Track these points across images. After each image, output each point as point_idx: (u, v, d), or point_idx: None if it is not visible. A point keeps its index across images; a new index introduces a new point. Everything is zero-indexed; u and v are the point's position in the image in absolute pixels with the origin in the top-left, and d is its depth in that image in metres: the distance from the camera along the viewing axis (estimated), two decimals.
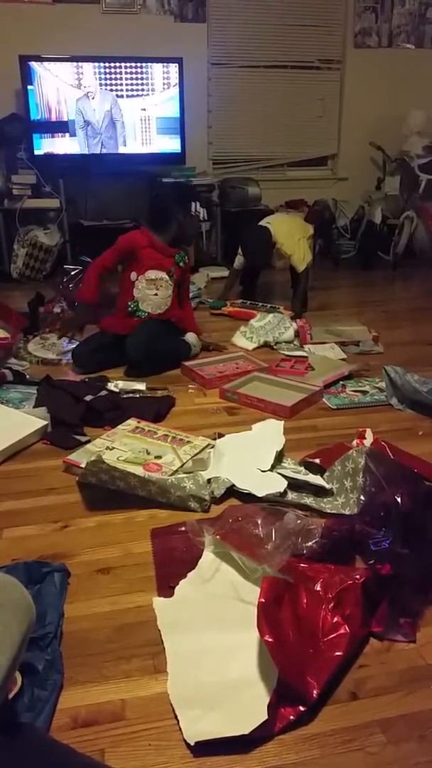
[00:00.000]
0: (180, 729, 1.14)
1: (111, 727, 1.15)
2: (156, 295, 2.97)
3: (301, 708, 1.17)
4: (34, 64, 4.36)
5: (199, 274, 4.66)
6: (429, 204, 5.06)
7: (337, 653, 1.26)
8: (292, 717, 1.16)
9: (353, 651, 1.30)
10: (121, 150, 4.68)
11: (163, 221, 2.98)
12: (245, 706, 1.18)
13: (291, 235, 3.67)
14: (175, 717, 1.17)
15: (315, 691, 1.19)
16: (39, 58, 4.38)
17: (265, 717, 1.13)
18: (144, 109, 4.64)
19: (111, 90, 4.54)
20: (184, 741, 1.12)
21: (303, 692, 1.19)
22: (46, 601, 1.42)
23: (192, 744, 1.10)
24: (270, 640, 1.21)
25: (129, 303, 2.98)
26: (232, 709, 1.17)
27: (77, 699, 1.21)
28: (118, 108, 4.59)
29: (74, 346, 2.98)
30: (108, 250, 3.00)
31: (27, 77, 4.37)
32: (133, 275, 2.96)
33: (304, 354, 3.04)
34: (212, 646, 1.33)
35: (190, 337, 3.09)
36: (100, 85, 4.51)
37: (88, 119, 4.55)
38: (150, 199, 3.04)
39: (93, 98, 4.51)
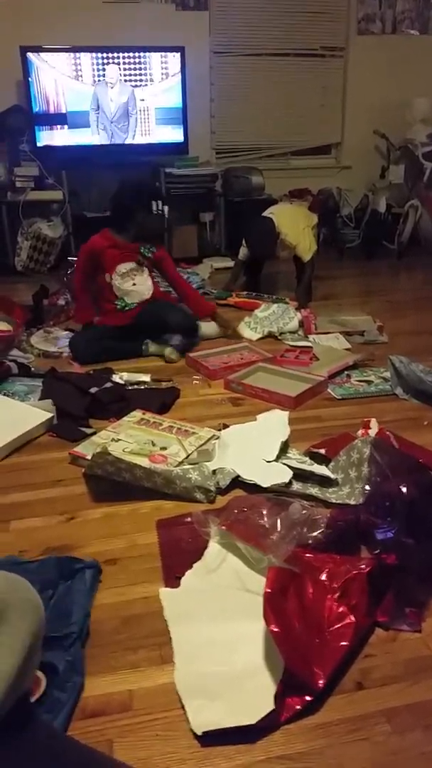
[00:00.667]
0: (187, 719, 1.15)
1: (118, 717, 1.16)
2: (135, 285, 3.01)
3: (308, 698, 1.18)
4: (35, 56, 4.34)
5: (203, 265, 4.65)
6: None
7: (343, 643, 1.26)
8: (298, 707, 1.17)
9: (359, 641, 1.31)
10: (126, 141, 4.66)
11: (122, 222, 3.02)
12: (252, 696, 1.18)
13: (295, 225, 3.65)
14: (182, 707, 1.17)
15: (321, 681, 1.19)
16: (40, 49, 4.35)
17: (272, 707, 1.14)
18: (143, 100, 4.62)
19: (114, 78, 4.51)
20: (191, 731, 1.12)
21: (309, 682, 1.19)
22: (74, 599, 1.39)
23: (199, 734, 1.11)
24: (276, 630, 1.22)
25: (115, 302, 3.02)
26: (238, 699, 1.18)
27: (85, 690, 1.21)
28: (134, 100, 4.56)
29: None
30: (76, 266, 3.10)
31: (28, 68, 4.34)
32: (107, 276, 3.00)
33: (309, 344, 3.03)
34: (218, 637, 1.33)
35: (208, 328, 3.12)
36: (100, 75, 4.48)
37: (101, 108, 4.52)
38: (110, 200, 3.11)
39: (112, 88, 4.49)
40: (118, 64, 4.49)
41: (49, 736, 0.93)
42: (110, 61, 4.47)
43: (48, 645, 1.24)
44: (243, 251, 3.83)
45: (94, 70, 4.47)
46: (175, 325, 3.00)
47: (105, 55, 4.45)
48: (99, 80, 4.49)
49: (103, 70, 4.48)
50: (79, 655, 1.26)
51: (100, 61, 4.46)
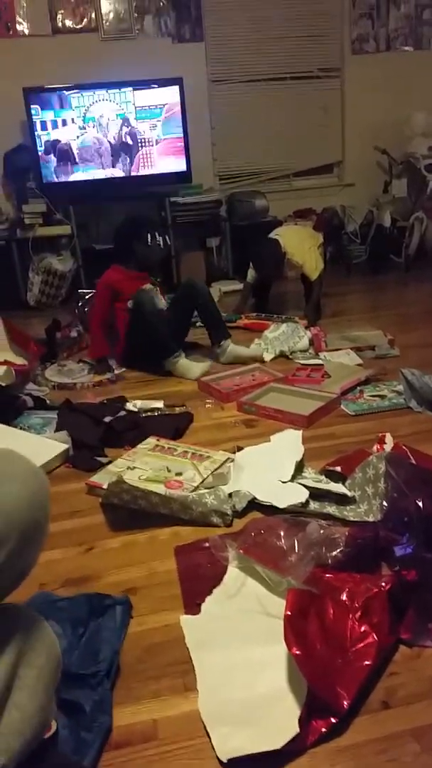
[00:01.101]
0: (212, 746, 1.14)
1: (143, 747, 1.16)
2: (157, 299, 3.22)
3: (333, 720, 1.16)
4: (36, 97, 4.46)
5: (212, 288, 4.68)
6: None
7: (366, 662, 1.25)
8: (323, 729, 1.15)
9: (382, 659, 1.29)
10: (129, 173, 4.75)
11: (124, 254, 3.29)
12: (276, 720, 1.17)
13: (301, 245, 3.68)
14: (207, 734, 1.16)
15: (346, 702, 1.18)
16: (42, 89, 4.48)
17: (297, 731, 1.13)
18: (146, 132, 4.71)
19: (117, 115, 4.62)
20: (217, 758, 1.11)
21: (333, 704, 1.18)
22: (103, 636, 1.37)
23: (224, 761, 1.10)
24: (298, 652, 1.21)
25: None
26: (263, 725, 1.17)
27: None
28: (130, 132, 4.66)
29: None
30: (95, 302, 3.23)
31: (30, 109, 4.46)
32: (129, 303, 3.12)
33: (320, 362, 3.04)
34: (241, 662, 1.33)
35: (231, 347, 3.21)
36: (96, 114, 4.59)
37: (99, 144, 4.63)
38: (113, 236, 3.48)
39: (106, 124, 4.59)
40: (117, 99, 4.59)
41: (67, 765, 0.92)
42: (108, 97, 4.58)
43: (75, 683, 1.24)
44: (251, 273, 3.86)
45: (90, 106, 4.57)
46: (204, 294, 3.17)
47: (104, 92, 4.56)
48: (95, 118, 4.59)
49: (98, 106, 4.58)
50: (107, 694, 1.24)
51: (98, 98, 4.56)
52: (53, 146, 4.55)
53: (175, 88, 4.67)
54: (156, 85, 4.64)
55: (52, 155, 4.56)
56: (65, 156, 4.60)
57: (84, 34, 4.70)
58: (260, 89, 5.21)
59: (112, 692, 1.26)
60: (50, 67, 4.61)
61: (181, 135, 4.78)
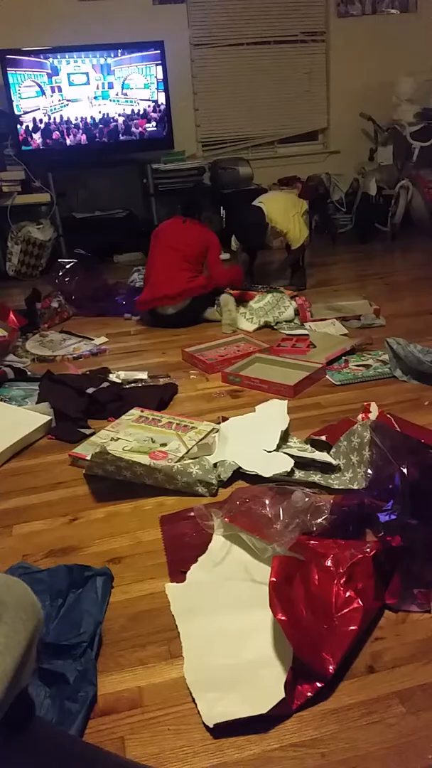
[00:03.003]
0: (198, 712, 1.14)
1: (129, 714, 1.16)
2: None
3: (318, 684, 1.17)
4: (12, 59, 4.31)
5: None
6: (424, 172, 4.98)
7: (352, 627, 1.26)
8: (309, 694, 1.16)
9: (367, 624, 1.30)
10: (109, 139, 4.63)
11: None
12: (262, 685, 1.17)
13: (285, 212, 3.63)
14: (193, 701, 1.17)
15: (331, 667, 1.19)
16: (19, 52, 4.32)
17: (283, 695, 1.13)
18: (128, 95, 4.59)
19: (96, 79, 4.49)
20: (203, 724, 1.12)
21: (319, 668, 1.18)
22: (84, 607, 1.37)
23: (211, 726, 1.10)
24: (283, 618, 1.21)
25: None
26: (249, 690, 1.17)
27: None
28: (108, 97, 4.54)
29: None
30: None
31: (7, 71, 4.32)
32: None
33: (305, 332, 3.02)
34: (226, 628, 1.33)
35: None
36: (79, 74, 4.46)
37: (77, 109, 4.50)
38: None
39: (82, 86, 4.46)
40: (97, 62, 4.46)
41: (52, 734, 0.92)
42: (88, 58, 4.44)
43: (58, 654, 1.24)
44: (234, 242, 3.81)
45: (71, 70, 4.44)
46: None
47: (83, 54, 4.42)
48: (75, 83, 4.46)
49: (80, 69, 4.44)
50: (90, 664, 1.23)
51: (77, 61, 4.42)
52: (32, 118, 4.41)
53: (157, 52, 4.53)
54: (136, 50, 4.50)
55: (29, 125, 4.42)
56: (44, 127, 4.47)
57: None
58: (243, 53, 5.08)
59: (96, 661, 1.26)
60: (26, 29, 4.44)
61: (163, 100, 4.65)
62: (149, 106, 4.65)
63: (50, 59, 4.38)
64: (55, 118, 4.50)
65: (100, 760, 0.94)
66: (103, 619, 1.36)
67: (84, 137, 4.58)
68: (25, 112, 4.42)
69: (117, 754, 1.05)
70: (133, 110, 4.65)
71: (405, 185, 4.82)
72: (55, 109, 4.48)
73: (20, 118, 4.41)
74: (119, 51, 4.49)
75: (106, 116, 4.60)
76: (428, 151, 4.84)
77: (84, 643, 1.27)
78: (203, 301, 3.29)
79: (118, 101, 4.60)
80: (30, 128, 4.46)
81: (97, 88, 4.53)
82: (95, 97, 4.54)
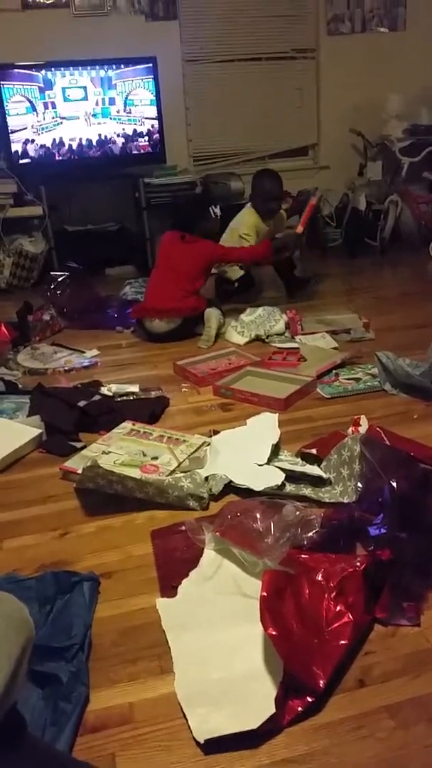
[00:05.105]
0: (189, 728, 1.14)
1: (120, 730, 1.15)
2: None
3: (309, 699, 1.17)
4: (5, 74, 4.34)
5: None
6: (413, 187, 5.05)
7: (342, 642, 1.26)
8: (300, 708, 1.16)
9: (358, 638, 1.30)
10: (102, 153, 4.66)
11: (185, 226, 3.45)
12: (253, 700, 1.18)
13: (231, 231, 3.69)
14: (184, 716, 1.17)
15: (322, 681, 1.19)
16: (12, 66, 4.35)
17: (273, 710, 1.14)
18: (120, 111, 4.62)
19: (95, 94, 4.51)
20: (194, 739, 1.12)
21: (310, 683, 1.19)
22: (73, 611, 1.40)
23: (201, 742, 1.10)
24: (274, 633, 1.21)
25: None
26: (239, 705, 1.17)
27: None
28: (101, 112, 4.56)
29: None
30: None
31: (1, 86, 4.34)
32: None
33: (296, 345, 3.03)
34: (217, 643, 1.33)
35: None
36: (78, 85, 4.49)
37: (72, 129, 4.52)
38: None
39: (76, 102, 4.48)
40: (96, 75, 4.49)
41: (42, 751, 0.92)
42: (86, 70, 4.47)
43: (50, 657, 1.26)
44: None
45: (66, 84, 4.46)
46: None
47: (80, 68, 4.45)
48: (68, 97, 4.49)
49: (77, 83, 4.47)
50: (82, 665, 1.26)
51: (74, 74, 4.45)
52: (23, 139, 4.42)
53: (149, 67, 4.58)
54: (129, 64, 4.55)
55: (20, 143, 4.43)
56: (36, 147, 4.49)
57: (55, 9, 4.57)
58: (235, 69, 5.13)
59: (87, 665, 1.27)
60: (19, 44, 4.48)
61: (155, 115, 4.69)
62: (148, 123, 4.68)
63: (43, 72, 4.40)
64: (46, 141, 4.48)
65: None
66: (92, 622, 1.38)
67: (78, 151, 4.60)
68: (13, 131, 4.41)
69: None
70: (135, 129, 4.67)
71: (394, 200, 4.88)
72: (47, 128, 4.49)
73: (10, 137, 4.41)
74: (119, 65, 4.51)
75: (103, 138, 4.61)
76: (417, 166, 4.91)
77: (76, 645, 1.30)
78: (196, 321, 3.30)
79: (119, 119, 4.62)
80: (20, 145, 4.46)
81: (96, 104, 4.54)
82: (94, 115, 4.55)
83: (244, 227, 3.70)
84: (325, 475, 1.84)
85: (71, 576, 1.50)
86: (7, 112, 4.39)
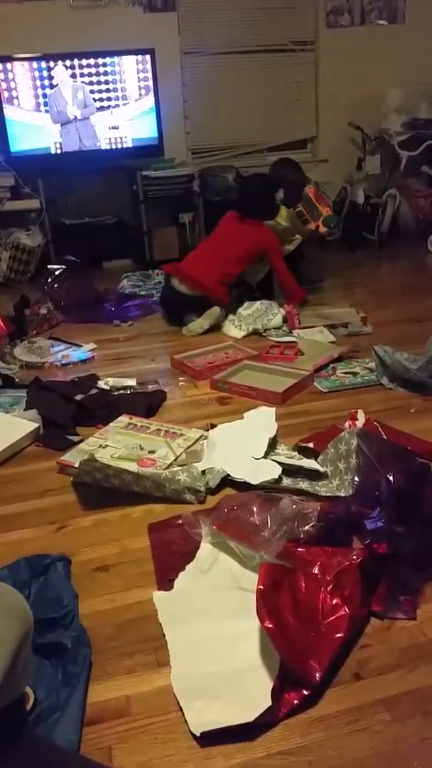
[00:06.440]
0: (185, 721, 1.14)
1: (116, 723, 1.16)
2: None
3: (305, 692, 1.18)
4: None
5: None
6: (411, 181, 5.04)
7: (338, 635, 1.27)
8: (296, 701, 1.17)
9: (354, 632, 1.31)
10: (99, 145, 4.64)
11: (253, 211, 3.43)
12: (249, 693, 1.18)
13: None
14: (180, 709, 1.17)
15: (318, 674, 1.19)
16: (10, 59, 4.33)
17: (269, 703, 1.14)
18: (118, 103, 4.60)
19: (84, 84, 4.49)
20: (190, 732, 1.12)
21: (306, 676, 1.19)
22: (57, 586, 1.45)
23: (198, 735, 1.11)
24: (270, 626, 1.22)
25: None
26: (236, 698, 1.18)
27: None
28: (92, 102, 4.54)
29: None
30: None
31: None
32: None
33: (294, 339, 3.03)
34: (214, 636, 1.33)
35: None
36: (72, 77, 4.46)
37: (61, 114, 4.50)
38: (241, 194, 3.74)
39: (66, 91, 4.46)
40: (88, 70, 4.47)
41: (41, 745, 0.92)
42: (80, 63, 4.45)
43: (50, 627, 1.32)
44: None
45: (70, 75, 4.44)
46: None
47: (78, 61, 4.43)
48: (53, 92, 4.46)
49: (79, 75, 4.45)
50: (81, 630, 1.31)
51: (68, 70, 4.43)
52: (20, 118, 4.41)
53: (147, 59, 4.55)
54: (127, 56, 4.52)
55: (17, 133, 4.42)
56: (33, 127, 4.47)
57: (53, 1, 4.54)
58: (233, 62, 5.11)
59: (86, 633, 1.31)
60: (17, 35, 4.45)
61: (153, 107, 4.67)
62: (139, 113, 4.66)
63: (40, 63, 4.37)
64: (43, 134, 4.47)
65: None
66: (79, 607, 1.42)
67: (74, 143, 4.58)
68: (10, 123, 4.40)
69: (105, 765, 1.05)
70: (132, 122, 4.65)
71: (392, 194, 4.87)
72: (44, 120, 4.46)
73: (7, 129, 4.39)
74: (114, 57, 4.49)
75: (101, 130, 4.59)
76: (415, 160, 4.90)
77: (71, 612, 1.36)
78: (211, 305, 3.30)
79: (117, 111, 4.60)
80: (17, 138, 4.44)
81: (94, 95, 4.52)
82: (91, 107, 4.54)
83: (280, 219, 3.70)
84: (321, 469, 1.84)
85: (43, 559, 1.54)
86: (3, 104, 4.37)
